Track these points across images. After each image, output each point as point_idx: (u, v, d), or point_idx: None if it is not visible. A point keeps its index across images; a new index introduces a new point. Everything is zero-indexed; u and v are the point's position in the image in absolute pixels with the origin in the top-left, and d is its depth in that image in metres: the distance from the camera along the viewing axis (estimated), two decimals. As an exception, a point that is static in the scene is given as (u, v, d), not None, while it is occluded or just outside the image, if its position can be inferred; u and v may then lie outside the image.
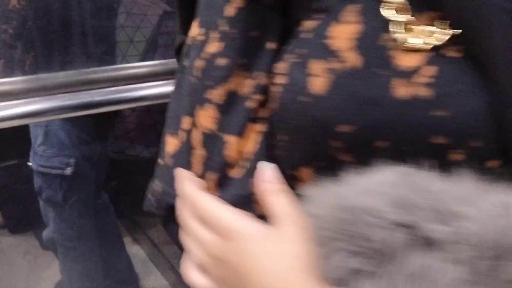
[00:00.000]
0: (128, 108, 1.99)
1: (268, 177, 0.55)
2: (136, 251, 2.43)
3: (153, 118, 2.02)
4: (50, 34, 1.38)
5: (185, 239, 0.61)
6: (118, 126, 2.04)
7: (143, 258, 2.60)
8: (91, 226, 2.08)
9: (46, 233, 2.13)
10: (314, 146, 0.53)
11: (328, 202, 0.51)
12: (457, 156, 0.49)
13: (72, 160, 1.87)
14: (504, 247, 0.41)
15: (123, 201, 2.40)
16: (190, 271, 0.59)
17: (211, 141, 0.61)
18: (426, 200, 0.45)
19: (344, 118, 0.52)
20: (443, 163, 0.49)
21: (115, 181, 2.39)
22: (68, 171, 1.89)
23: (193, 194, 0.59)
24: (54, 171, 1.88)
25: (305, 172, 0.55)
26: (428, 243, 0.43)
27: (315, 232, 0.50)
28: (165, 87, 1.46)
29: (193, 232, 0.59)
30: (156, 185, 0.67)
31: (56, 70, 1.35)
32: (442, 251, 0.43)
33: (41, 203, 2.03)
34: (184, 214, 0.60)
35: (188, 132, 0.63)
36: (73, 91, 1.34)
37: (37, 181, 1.94)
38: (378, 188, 0.49)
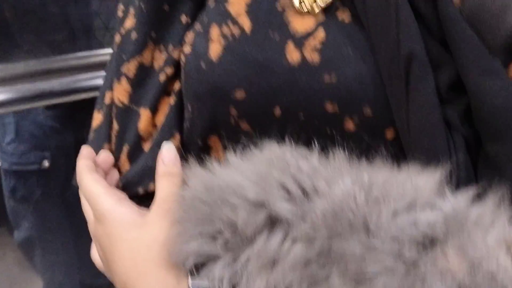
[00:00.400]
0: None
1: (163, 158, 0.56)
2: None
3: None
4: (7, 21, 1.34)
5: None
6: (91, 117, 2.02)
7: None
8: (65, 217, 2.06)
9: (20, 234, 2.10)
10: (216, 114, 0.54)
11: (196, 183, 0.52)
12: (350, 124, 0.50)
13: (47, 153, 1.84)
14: (340, 226, 0.41)
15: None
16: (92, 247, 0.63)
17: (125, 114, 0.62)
18: (289, 179, 0.46)
19: (237, 84, 0.52)
20: (339, 133, 0.49)
21: None
22: (45, 164, 1.86)
23: (81, 172, 0.61)
24: (30, 167, 1.85)
25: (213, 140, 0.56)
26: (277, 221, 0.45)
27: (178, 216, 0.52)
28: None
29: (84, 211, 0.61)
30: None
31: (16, 60, 1.33)
32: (286, 230, 0.44)
33: (10, 204, 1.99)
34: (81, 194, 0.63)
35: (109, 107, 0.65)
36: (34, 81, 1.32)
37: (9, 182, 1.89)
38: (248, 168, 0.49)
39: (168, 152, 0.57)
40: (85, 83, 1.48)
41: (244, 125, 0.54)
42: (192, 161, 0.53)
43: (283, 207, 0.45)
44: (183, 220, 0.51)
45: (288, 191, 0.46)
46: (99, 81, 1.41)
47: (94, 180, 0.59)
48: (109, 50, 1.52)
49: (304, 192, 0.45)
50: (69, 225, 2.08)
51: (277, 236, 0.45)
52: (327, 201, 0.42)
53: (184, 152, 0.59)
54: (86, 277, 2.27)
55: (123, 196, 0.59)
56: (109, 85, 0.65)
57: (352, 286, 0.40)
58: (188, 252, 0.50)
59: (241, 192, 0.49)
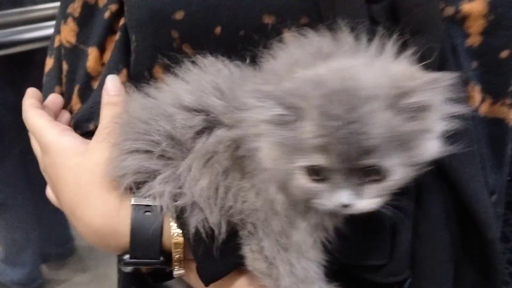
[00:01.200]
0: (43, 54, 1.90)
1: (106, 89, 0.59)
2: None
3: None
4: None
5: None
6: (34, 74, 1.96)
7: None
8: (22, 174, 2.03)
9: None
10: (159, 40, 0.56)
11: (133, 106, 0.56)
12: (287, 34, 0.51)
13: (-5, 112, 1.78)
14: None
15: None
16: (47, 187, 0.64)
17: (74, 54, 0.64)
18: (221, 80, 0.51)
19: (176, 5, 0.53)
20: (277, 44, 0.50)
21: None
22: (-5, 124, 1.81)
23: (26, 110, 0.63)
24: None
25: (158, 71, 0.58)
26: (212, 123, 0.51)
27: (116, 136, 0.55)
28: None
29: (33, 147, 0.63)
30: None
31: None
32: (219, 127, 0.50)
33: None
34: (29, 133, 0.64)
35: (58, 49, 0.66)
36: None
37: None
38: (184, 82, 0.53)
39: (112, 83, 0.59)
40: (22, 36, 1.44)
41: (187, 48, 0.55)
42: (132, 89, 0.57)
43: (216, 103, 0.50)
44: (121, 139, 0.55)
45: (220, 90, 0.51)
46: (36, 34, 1.38)
47: (37, 114, 0.61)
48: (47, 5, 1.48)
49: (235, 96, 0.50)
50: (27, 183, 2.03)
51: (215, 134, 0.50)
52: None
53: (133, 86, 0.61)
54: (47, 245, 2.24)
55: (66, 127, 0.61)
56: (57, 29, 0.66)
57: None
58: (127, 168, 0.53)
59: (177, 102, 0.53)
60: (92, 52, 0.62)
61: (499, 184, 0.57)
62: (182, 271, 0.55)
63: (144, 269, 0.59)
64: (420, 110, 0.43)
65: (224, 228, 0.50)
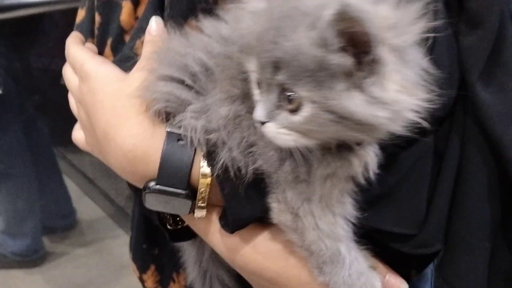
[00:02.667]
0: (50, 23, 1.89)
1: (149, 29, 0.58)
2: (69, 186, 2.35)
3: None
4: None
5: (69, 96, 0.65)
6: (39, 43, 1.94)
7: (77, 192, 2.53)
8: (24, 144, 2.02)
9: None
10: None
11: (172, 43, 0.55)
12: None
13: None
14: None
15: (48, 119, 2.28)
16: (74, 130, 0.65)
17: (108, 6, 0.63)
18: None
19: None
20: None
21: (38, 95, 2.27)
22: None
23: (68, 46, 0.64)
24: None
25: (191, 25, 0.56)
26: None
27: (155, 63, 0.55)
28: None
29: (68, 81, 0.63)
30: None
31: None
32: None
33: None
34: (64, 67, 0.65)
35: (91, 1, 0.65)
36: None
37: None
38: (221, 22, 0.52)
39: (156, 23, 0.58)
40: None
41: (223, 2, 0.54)
42: (171, 29, 0.55)
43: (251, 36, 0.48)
44: (157, 65, 0.55)
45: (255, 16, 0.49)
46: None
47: (80, 49, 0.62)
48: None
49: None
50: (30, 154, 2.03)
51: (237, 55, 0.49)
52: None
53: None
54: (49, 218, 2.23)
55: (107, 59, 0.61)
56: None
57: None
58: (158, 92, 0.53)
59: (215, 34, 0.52)
60: (126, 5, 0.61)
61: None
62: (203, 212, 0.54)
63: (156, 221, 0.59)
64: (348, 44, 0.39)
65: (251, 168, 0.49)
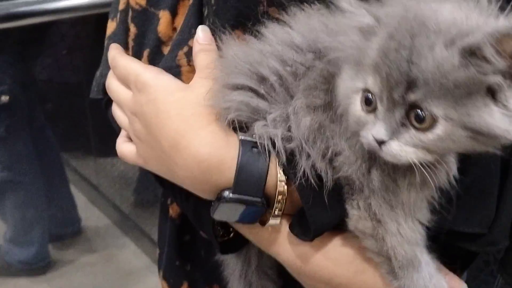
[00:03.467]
0: (56, 34, 1.89)
1: (197, 38, 0.58)
2: (74, 194, 2.36)
3: (81, 43, 1.93)
4: None
5: (114, 109, 0.63)
6: (46, 53, 1.95)
7: (82, 199, 2.54)
8: (33, 152, 2.03)
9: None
10: (244, 3, 0.55)
11: (233, 50, 0.55)
12: None
13: (5, 87, 1.78)
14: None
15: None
16: (119, 143, 0.63)
17: (144, 17, 0.62)
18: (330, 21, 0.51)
19: None
20: None
21: (50, 104, 2.27)
22: (5, 99, 1.80)
23: (114, 58, 0.61)
24: (-13, 104, 1.78)
25: (237, 34, 0.56)
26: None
27: (221, 72, 0.54)
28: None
29: (115, 94, 0.61)
30: (98, 71, 0.69)
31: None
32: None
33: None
34: (109, 80, 0.63)
35: (124, 12, 0.65)
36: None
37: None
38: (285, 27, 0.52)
39: (203, 32, 0.58)
40: (29, 8, 1.37)
41: (274, 13, 0.54)
42: (225, 37, 0.55)
43: (325, 39, 0.49)
44: (225, 73, 0.54)
45: (328, 28, 0.50)
46: (48, 5, 1.33)
47: (131, 59, 0.61)
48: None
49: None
50: (38, 161, 2.03)
51: (316, 67, 0.49)
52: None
53: None
54: (55, 226, 2.24)
55: (162, 70, 0.59)
56: None
57: None
58: (232, 101, 0.52)
59: (288, 41, 0.52)
60: (164, 16, 0.61)
61: None
62: (278, 220, 0.53)
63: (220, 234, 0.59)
64: (480, 59, 0.40)
65: (330, 175, 0.49)
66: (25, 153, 2.00)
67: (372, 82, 0.43)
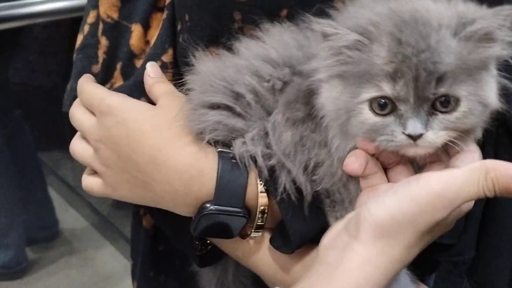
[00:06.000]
0: (29, 37, 1.87)
1: (148, 73, 0.58)
2: (52, 196, 2.34)
3: (54, 46, 1.91)
4: None
5: (75, 144, 0.61)
6: (18, 56, 1.92)
7: (60, 201, 2.52)
8: (7, 158, 2.00)
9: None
10: (219, 20, 0.55)
11: (207, 66, 0.55)
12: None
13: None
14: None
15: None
16: (83, 179, 0.61)
17: (115, 30, 0.62)
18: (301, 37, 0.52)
19: None
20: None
21: (26, 106, 2.24)
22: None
23: (81, 84, 0.61)
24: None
25: (212, 50, 0.56)
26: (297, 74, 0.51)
27: (194, 91, 0.54)
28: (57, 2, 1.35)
29: (79, 123, 0.60)
30: (68, 84, 0.68)
31: None
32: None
33: None
34: (73, 109, 0.61)
35: (94, 25, 0.64)
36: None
37: None
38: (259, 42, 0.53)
39: (153, 67, 0.58)
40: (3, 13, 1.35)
41: (248, 31, 0.54)
42: (198, 51, 0.55)
43: (297, 53, 0.51)
44: (198, 92, 0.54)
45: (300, 45, 0.52)
46: (23, 10, 1.31)
47: (96, 86, 0.60)
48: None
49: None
50: (15, 164, 2.02)
51: (295, 82, 0.51)
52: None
53: (179, 65, 0.60)
54: (32, 229, 2.22)
55: (127, 95, 0.58)
56: (93, 3, 0.64)
57: None
58: (207, 122, 0.52)
59: (264, 56, 0.52)
60: (136, 29, 0.61)
61: None
62: (260, 233, 0.54)
63: (195, 249, 0.59)
64: (484, 39, 0.45)
65: (309, 188, 0.50)
66: (1, 155, 1.97)
67: (391, 88, 0.45)
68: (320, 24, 0.46)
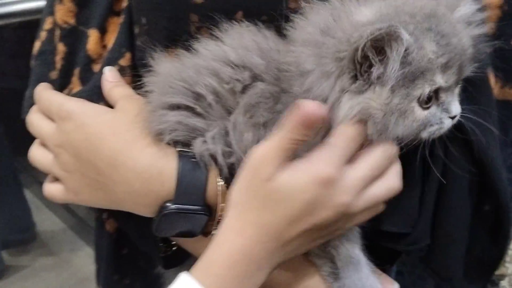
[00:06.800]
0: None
1: (107, 78, 0.58)
2: (28, 198, 2.32)
3: (24, 48, 1.88)
4: None
5: (34, 151, 0.61)
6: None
7: (36, 203, 2.49)
8: None
9: None
10: (175, 23, 0.55)
11: (165, 67, 0.55)
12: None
13: None
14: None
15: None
16: (44, 186, 0.61)
17: (72, 35, 0.62)
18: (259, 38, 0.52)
19: None
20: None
21: None
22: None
23: (39, 92, 0.61)
24: None
25: (170, 54, 0.56)
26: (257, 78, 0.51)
27: (152, 93, 0.54)
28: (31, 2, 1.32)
29: (37, 129, 0.60)
30: (27, 91, 0.67)
31: None
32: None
33: None
34: (30, 115, 0.61)
35: (51, 31, 0.64)
36: None
37: None
38: (220, 43, 0.53)
39: (111, 72, 0.59)
40: None
41: (205, 33, 0.54)
42: (157, 53, 0.55)
43: (258, 61, 0.51)
44: (157, 94, 0.54)
45: (261, 49, 0.52)
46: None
47: (54, 92, 0.60)
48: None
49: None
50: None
51: (257, 87, 0.51)
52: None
53: (137, 69, 0.59)
54: (8, 232, 2.19)
55: (86, 100, 0.59)
56: (49, 10, 0.64)
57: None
58: (167, 123, 0.52)
59: (222, 58, 0.52)
60: (93, 34, 0.61)
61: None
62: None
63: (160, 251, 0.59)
64: (467, 22, 0.49)
65: None
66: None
67: (442, 79, 0.47)
68: (393, 27, 0.44)
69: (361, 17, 0.47)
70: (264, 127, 0.51)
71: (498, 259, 0.61)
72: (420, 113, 0.48)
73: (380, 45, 0.45)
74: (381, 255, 0.56)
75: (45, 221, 2.45)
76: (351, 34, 0.46)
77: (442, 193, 0.56)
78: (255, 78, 0.51)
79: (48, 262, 2.27)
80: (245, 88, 0.51)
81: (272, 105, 0.51)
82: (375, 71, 0.46)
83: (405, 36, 0.44)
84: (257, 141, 0.50)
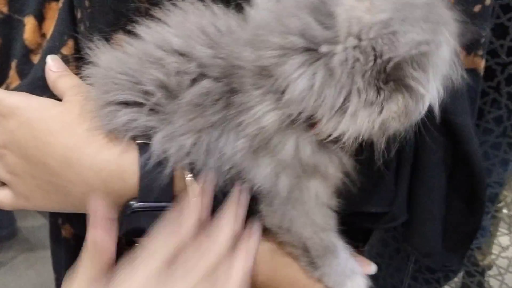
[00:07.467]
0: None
1: (50, 67, 0.53)
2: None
3: None
4: None
5: None
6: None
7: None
8: None
9: None
10: (123, 3, 0.50)
11: (107, 58, 0.50)
12: None
13: None
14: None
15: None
16: None
17: (7, 25, 0.57)
18: (206, 22, 0.47)
19: None
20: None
21: None
22: None
23: None
24: None
25: (119, 39, 0.51)
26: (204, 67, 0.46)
27: (96, 90, 0.50)
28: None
29: None
30: None
31: None
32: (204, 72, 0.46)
33: None
34: None
35: None
36: None
37: None
38: (165, 26, 0.48)
39: (54, 61, 0.54)
40: None
41: (154, 12, 0.49)
42: (98, 43, 0.50)
43: (204, 53, 0.46)
44: (101, 92, 0.49)
45: (207, 34, 0.46)
46: None
47: None
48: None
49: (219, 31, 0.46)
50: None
51: (201, 85, 0.46)
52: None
53: (82, 58, 0.53)
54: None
55: (29, 94, 0.53)
56: None
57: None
58: (117, 124, 0.48)
59: (165, 45, 0.46)
60: (29, 22, 0.56)
61: None
62: None
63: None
64: None
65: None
66: None
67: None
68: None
69: None
70: (208, 131, 0.47)
71: (475, 229, 0.61)
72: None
73: None
74: (353, 235, 0.55)
75: (26, 217, 2.43)
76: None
77: (416, 168, 0.55)
78: (203, 75, 0.46)
79: (29, 257, 2.26)
80: (194, 82, 0.46)
81: (224, 104, 0.46)
82: None
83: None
84: (199, 148, 0.46)
